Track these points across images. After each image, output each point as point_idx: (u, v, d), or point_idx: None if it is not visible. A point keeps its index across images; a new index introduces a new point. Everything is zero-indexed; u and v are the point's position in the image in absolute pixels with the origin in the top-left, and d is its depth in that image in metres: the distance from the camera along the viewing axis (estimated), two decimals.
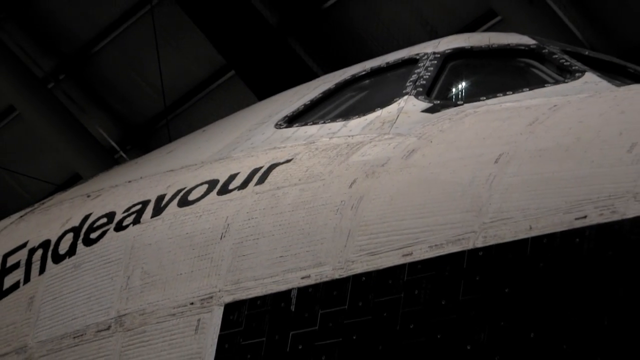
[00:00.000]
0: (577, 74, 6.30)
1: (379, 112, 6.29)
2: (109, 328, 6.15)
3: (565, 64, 6.42)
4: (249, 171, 6.23)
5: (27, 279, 6.74)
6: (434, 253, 5.13)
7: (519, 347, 4.76)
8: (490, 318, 4.87)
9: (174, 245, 6.09)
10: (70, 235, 6.68)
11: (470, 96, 6.30)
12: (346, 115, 6.48)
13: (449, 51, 6.63)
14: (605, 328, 4.58)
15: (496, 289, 4.89)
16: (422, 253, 5.16)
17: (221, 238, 5.92)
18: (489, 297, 4.90)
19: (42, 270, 6.68)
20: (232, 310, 5.69)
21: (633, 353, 4.50)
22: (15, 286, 6.78)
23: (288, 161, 6.15)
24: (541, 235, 4.86)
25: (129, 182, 7.02)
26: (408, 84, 6.42)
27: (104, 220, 6.59)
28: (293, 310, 5.48)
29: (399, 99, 6.32)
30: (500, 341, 4.81)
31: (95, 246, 6.49)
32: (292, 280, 5.54)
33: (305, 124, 6.57)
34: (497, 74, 6.53)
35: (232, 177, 6.26)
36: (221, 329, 5.69)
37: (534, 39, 6.74)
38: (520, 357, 4.75)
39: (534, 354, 4.72)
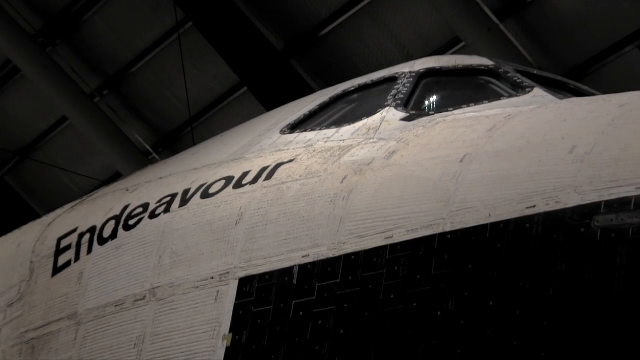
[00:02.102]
0: (527, 89, 6.29)
1: (365, 121, 6.27)
2: (144, 298, 6.13)
3: (517, 81, 6.41)
4: (258, 169, 6.21)
5: (77, 258, 6.72)
6: (410, 236, 5.12)
7: (480, 313, 4.75)
8: (456, 289, 4.86)
9: (198, 230, 6.07)
10: (112, 222, 6.66)
11: (440, 107, 6.29)
12: (338, 123, 6.47)
13: (422, 71, 6.61)
14: (552, 296, 4.58)
15: (461, 265, 4.89)
16: (401, 236, 5.16)
17: (236, 224, 5.91)
18: (455, 272, 4.89)
19: (89, 250, 6.66)
20: (245, 284, 5.68)
21: (574, 314, 4.50)
22: (67, 264, 6.77)
23: (291, 161, 6.14)
24: (498, 221, 4.86)
25: (161, 178, 7.01)
26: (389, 97, 6.40)
27: (140, 209, 6.58)
28: (295, 283, 5.47)
29: (382, 109, 6.30)
30: (464, 308, 4.80)
31: (133, 231, 6.47)
32: (294, 258, 5.53)
33: (305, 131, 6.56)
34: (462, 89, 6.51)
35: (245, 174, 6.25)
36: (236, 299, 5.68)
37: (492, 60, 6.72)
38: (481, 322, 4.74)
39: (493, 319, 4.72)
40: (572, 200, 4.67)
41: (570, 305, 4.53)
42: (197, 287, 5.88)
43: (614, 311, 4.41)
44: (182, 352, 5.79)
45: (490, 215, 4.89)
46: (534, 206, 4.77)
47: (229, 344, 5.59)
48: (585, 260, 4.54)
